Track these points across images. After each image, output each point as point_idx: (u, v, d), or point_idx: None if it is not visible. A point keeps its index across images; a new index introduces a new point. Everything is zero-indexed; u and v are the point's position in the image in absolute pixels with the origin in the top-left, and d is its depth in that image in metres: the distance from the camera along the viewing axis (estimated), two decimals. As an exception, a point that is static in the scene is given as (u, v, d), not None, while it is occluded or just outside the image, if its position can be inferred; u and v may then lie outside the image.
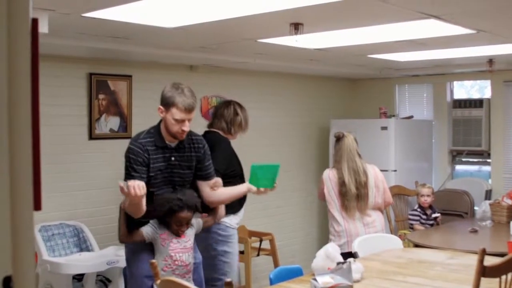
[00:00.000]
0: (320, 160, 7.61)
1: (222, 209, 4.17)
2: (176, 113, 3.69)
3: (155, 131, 3.83)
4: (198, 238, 4.06)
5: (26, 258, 1.15)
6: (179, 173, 3.86)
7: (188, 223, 3.78)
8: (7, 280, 1.10)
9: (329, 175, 5.06)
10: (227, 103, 4.80)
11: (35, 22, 1.31)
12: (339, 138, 5.09)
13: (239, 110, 4.74)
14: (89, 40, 4.51)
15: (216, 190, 4.04)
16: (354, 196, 4.94)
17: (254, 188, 3.98)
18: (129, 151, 3.74)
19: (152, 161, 3.73)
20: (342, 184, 4.96)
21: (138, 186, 3.43)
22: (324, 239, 7.34)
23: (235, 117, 4.70)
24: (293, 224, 7.30)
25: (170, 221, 3.73)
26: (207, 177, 4.01)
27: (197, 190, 3.96)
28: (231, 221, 4.56)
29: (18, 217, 1.13)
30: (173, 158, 3.81)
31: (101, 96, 5.33)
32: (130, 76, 5.53)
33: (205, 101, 6.24)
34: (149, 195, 3.65)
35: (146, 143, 3.75)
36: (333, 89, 7.93)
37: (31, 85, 1.22)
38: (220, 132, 4.67)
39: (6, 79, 1.07)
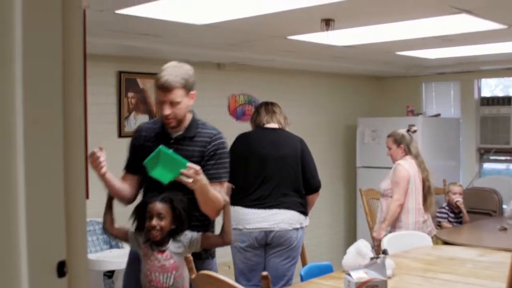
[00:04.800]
0: (347, 158, 7.58)
1: (230, 228, 3.17)
2: (155, 92, 3.14)
3: (160, 120, 3.29)
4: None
5: (79, 244, 1.17)
6: None
7: (161, 219, 3.04)
8: (61, 265, 1.12)
9: (411, 168, 5.05)
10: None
11: (84, 12, 1.33)
12: (414, 132, 5.18)
13: None
14: (119, 37, 4.54)
15: None
16: (433, 191, 5.09)
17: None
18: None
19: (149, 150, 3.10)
20: (426, 177, 5.04)
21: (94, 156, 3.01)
22: (351, 237, 7.33)
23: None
24: (320, 222, 7.28)
25: (145, 219, 3.13)
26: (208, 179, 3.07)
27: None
28: None
29: (72, 204, 1.15)
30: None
31: (130, 94, 5.37)
32: (159, 74, 5.55)
33: (232, 99, 6.25)
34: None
35: (148, 129, 3.33)
36: (359, 88, 7.91)
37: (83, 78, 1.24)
38: None
39: (61, 69, 1.08)
